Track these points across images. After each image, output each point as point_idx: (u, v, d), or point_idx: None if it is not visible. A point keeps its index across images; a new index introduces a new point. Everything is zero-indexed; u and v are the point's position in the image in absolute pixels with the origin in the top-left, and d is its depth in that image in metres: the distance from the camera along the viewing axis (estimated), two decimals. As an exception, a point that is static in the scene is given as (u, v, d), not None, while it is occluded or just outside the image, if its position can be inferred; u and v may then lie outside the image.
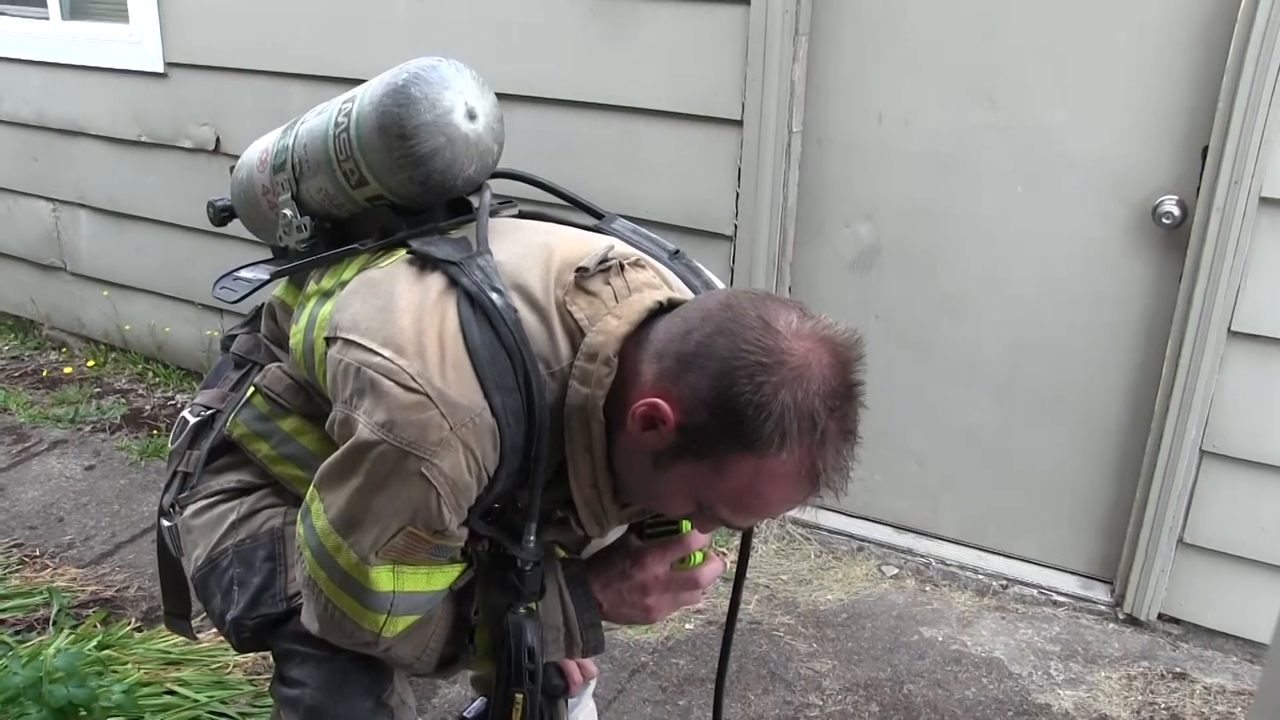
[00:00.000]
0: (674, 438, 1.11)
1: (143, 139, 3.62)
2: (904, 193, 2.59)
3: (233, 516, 1.46)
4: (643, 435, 1.13)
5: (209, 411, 1.56)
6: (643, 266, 1.29)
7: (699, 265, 1.41)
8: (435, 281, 1.22)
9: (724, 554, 1.46)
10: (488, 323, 1.17)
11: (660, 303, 1.21)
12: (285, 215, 1.46)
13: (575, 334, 1.20)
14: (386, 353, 1.15)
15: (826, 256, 2.73)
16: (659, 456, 1.14)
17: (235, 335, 1.64)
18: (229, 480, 1.50)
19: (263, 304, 1.60)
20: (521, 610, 1.29)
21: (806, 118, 2.62)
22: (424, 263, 1.26)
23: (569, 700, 1.72)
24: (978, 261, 2.56)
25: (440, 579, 1.27)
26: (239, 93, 3.35)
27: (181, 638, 2.39)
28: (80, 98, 3.72)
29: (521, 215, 1.49)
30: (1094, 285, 2.45)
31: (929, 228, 2.59)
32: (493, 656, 1.33)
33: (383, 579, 1.21)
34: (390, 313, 1.19)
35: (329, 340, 1.25)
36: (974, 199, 2.52)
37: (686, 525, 1.39)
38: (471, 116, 1.33)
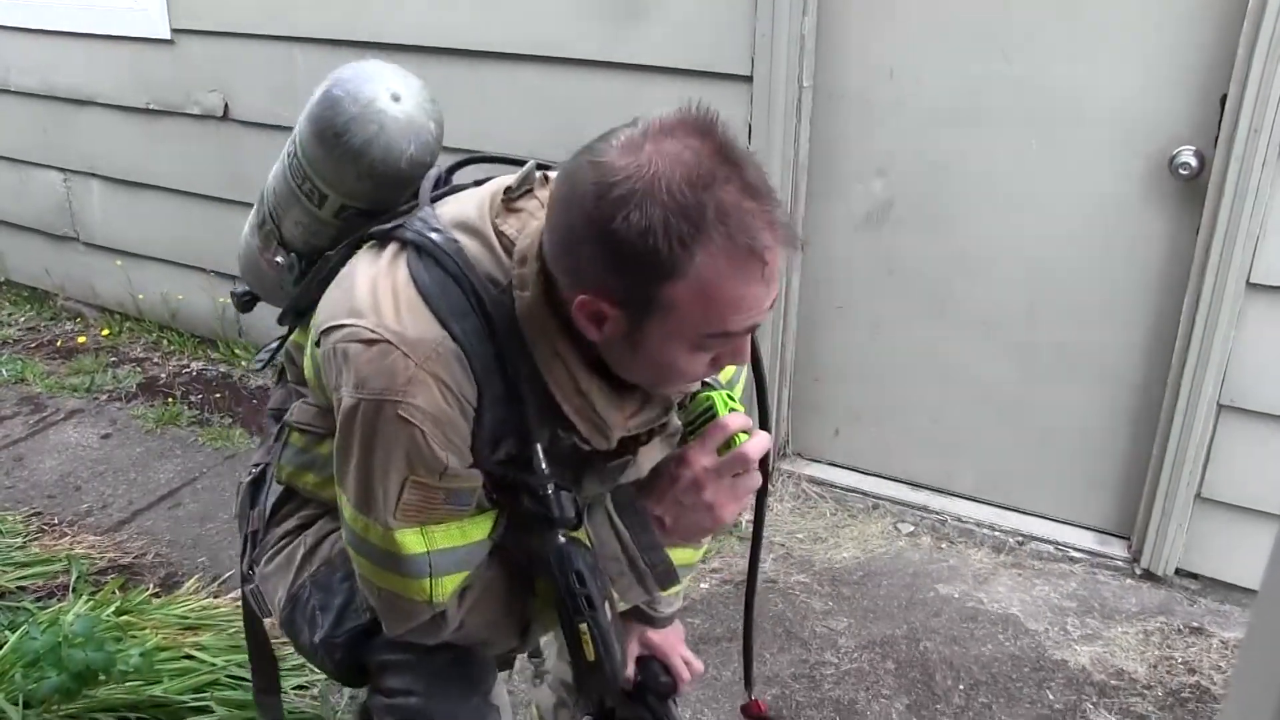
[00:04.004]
0: (620, 314, 1.11)
1: (151, 106, 3.60)
2: (917, 148, 2.56)
3: (301, 551, 1.48)
4: (603, 330, 1.14)
5: (259, 468, 1.59)
6: None
7: None
8: (389, 250, 1.26)
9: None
10: (433, 261, 1.20)
11: None
12: (278, 263, 1.52)
13: (511, 250, 1.21)
14: (348, 320, 1.19)
15: (839, 212, 2.70)
16: (627, 337, 1.14)
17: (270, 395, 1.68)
18: (290, 524, 1.52)
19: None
20: (563, 538, 1.26)
21: (817, 72, 2.58)
22: (378, 241, 1.29)
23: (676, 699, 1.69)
24: (992, 216, 2.53)
25: (474, 530, 1.27)
26: (246, 58, 3.32)
27: (200, 604, 2.43)
28: (87, 66, 3.71)
29: None
30: (1110, 239, 2.42)
31: (943, 183, 2.55)
32: (554, 603, 1.30)
33: (411, 541, 1.21)
34: (351, 289, 1.22)
35: (316, 345, 1.27)
36: (988, 154, 2.48)
37: (721, 408, 1.33)
38: (396, 99, 1.37)
